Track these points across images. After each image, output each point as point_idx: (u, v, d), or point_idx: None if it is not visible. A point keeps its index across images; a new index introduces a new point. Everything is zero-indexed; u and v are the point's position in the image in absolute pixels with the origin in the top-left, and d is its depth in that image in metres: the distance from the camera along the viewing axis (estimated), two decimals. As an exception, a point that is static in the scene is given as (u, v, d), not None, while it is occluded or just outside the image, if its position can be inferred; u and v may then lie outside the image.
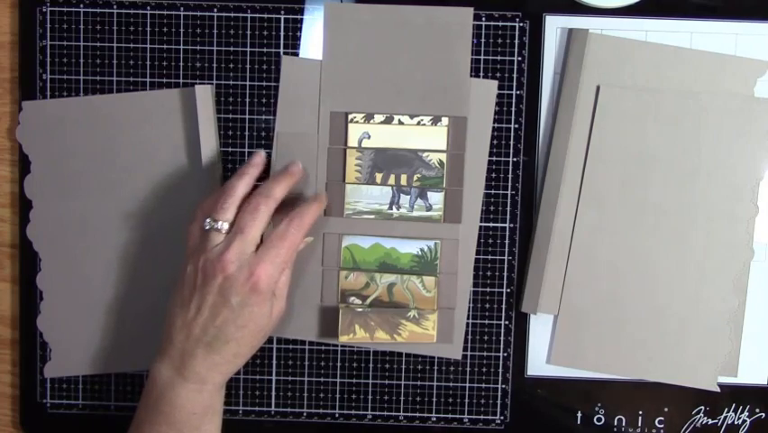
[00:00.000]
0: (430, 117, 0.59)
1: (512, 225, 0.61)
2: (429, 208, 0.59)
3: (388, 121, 0.59)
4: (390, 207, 0.59)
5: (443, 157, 0.59)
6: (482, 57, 0.59)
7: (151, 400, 0.52)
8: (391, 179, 0.59)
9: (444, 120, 0.59)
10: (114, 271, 0.60)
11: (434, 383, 0.61)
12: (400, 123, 0.59)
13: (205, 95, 0.59)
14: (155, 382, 0.53)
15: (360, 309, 0.59)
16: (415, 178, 0.59)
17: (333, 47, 0.59)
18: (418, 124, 0.59)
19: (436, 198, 0.59)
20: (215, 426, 0.54)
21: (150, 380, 0.53)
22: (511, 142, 0.60)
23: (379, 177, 0.59)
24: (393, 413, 0.62)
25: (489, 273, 0.61)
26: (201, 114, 0.59)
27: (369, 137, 0.59)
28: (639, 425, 0.61)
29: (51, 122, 0.60)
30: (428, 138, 0.59)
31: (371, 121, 0.59)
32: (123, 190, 0.60)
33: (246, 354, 0.54)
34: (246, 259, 0.52)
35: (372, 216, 0.59)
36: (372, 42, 0.59)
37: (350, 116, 0.59)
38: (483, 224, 0.60)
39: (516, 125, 0.60)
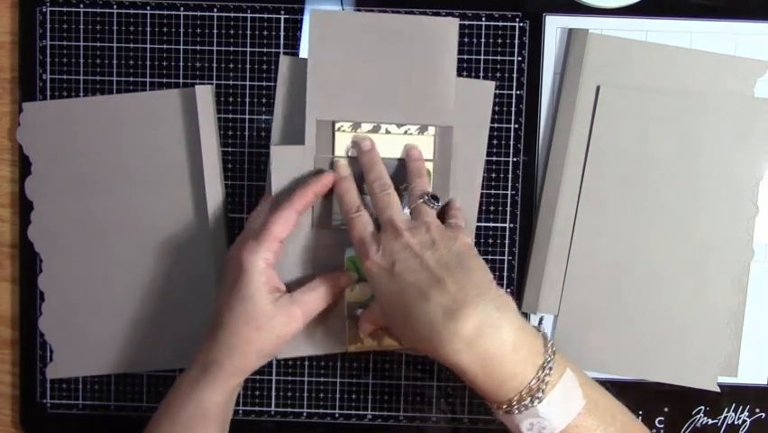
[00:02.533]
0: (417, 126, 0.58)
1: (512, 225, 0.60)
2: None
3: (376, 130, 0.58)
4: None
5: (431, 166, 0.58)
6: (482, 57, 0.59)
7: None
8: None
9: (431, 129, 0.58)
10: (115, 271, 0.60)
11: (434, 383, 0.61)
12: (387, 132, 0.58)
13: (205, 95, 0.59)
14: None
15: None
16: (402, 187, 0.57)
17: (318, 55, 0.57)
18: (405, 133, 0.58)
19: None
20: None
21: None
22: (511, 143, 0.60)
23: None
24: (393, 413, 0.62)
25: (489, 273, 0.60)
26: (201, 114, 0.59)
27: None
28: (639, 425, 0.60)
29: (52, 123, 0.60)
30: None
31: (358, 130, 0.58)
32: (123, 191, 0.60)
33: (236, 347, 0.52)
34: None
35: None
36: (358, 50, 0.57)
37: (337, 125, 0.58)
38: (483, 224, 0.60)
39: (516, 125, 0.60)
